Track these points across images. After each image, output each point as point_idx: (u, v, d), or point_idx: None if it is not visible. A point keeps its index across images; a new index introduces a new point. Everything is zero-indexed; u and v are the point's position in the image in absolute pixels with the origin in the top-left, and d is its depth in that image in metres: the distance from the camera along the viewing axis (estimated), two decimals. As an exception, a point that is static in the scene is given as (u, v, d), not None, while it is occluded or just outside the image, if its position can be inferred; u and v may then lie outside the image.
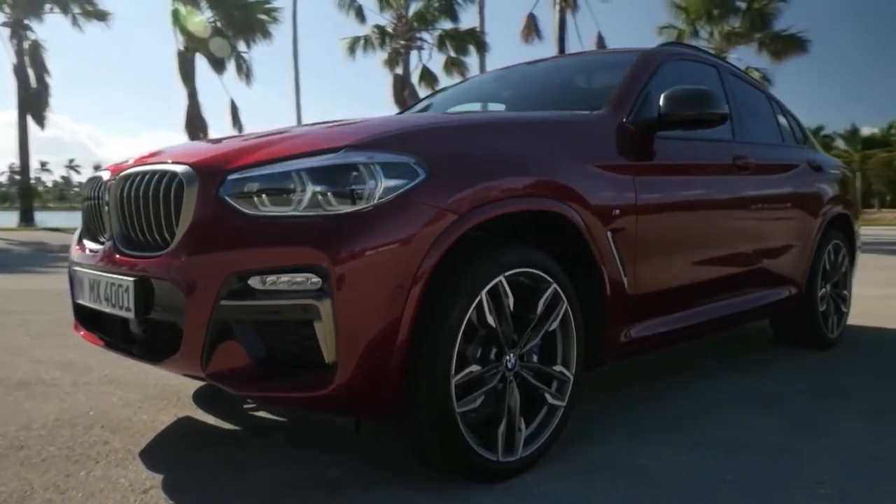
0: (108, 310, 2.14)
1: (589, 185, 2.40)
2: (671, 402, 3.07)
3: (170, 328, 2.02)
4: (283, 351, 1.86)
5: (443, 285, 1.92)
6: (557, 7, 23.39)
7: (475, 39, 23.65)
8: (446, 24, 24.04)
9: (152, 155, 2.25)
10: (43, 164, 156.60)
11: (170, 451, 2.43)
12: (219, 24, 22.58)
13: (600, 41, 24.11)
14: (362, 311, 1.80)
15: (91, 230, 2.44)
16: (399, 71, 24.36)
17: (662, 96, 2.72)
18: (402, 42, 24.08)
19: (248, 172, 1.93)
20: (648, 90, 2.89)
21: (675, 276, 2.89)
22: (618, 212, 2.51)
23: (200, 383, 3.30)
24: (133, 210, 2.11)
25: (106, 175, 2.29)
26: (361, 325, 1.80)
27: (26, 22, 22.07)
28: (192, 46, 22.25)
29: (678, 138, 2.94)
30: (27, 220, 23.30)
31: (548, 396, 2.26)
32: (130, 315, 2.02)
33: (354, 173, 1.85)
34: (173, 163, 2.04)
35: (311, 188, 1.85)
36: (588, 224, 2.35)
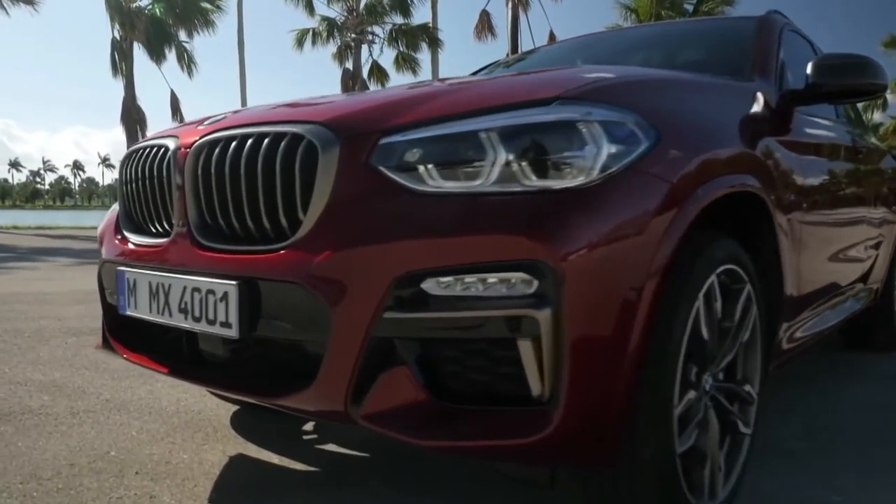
0: (186, 325, 1.55)
1: (772, 165, 1.96)
2: (817, 418, 2.66)
3: (291, 350, 1.46)
4: (470, 383, 1.33)
5: (664, 290, 1.43)
6: (510, 5, 23.14)
7: (428, 35, 23.08)
8: (398, 19, 23.42)
9: (244, 114, 1.65)
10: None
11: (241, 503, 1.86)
12: (159, 11, 21.25)
13: (552, 40, 23.99)
14: (593, 324, 1.29)
15: (139, 218, 1.82)
16: (349, 65, 23.57)
17: (812, 64, 2.31)
18: (353, 36, 23.29)
19: (411, 134, 1.38)
20: (782, 58, 2.49)
21: (822, 272, 2.49)
22: (792, 197, 2.08)
23: (234, 407, 2.71)
24: (224, 188, 1.53)
25: (171, 143, 1.69)
26: (593, 342, 1.29)
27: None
28: (128, 34, 20.83)
29: (809, 115, 2.55)
30: (-56, 218, 21.40)
31: (740, 424, 1.80)
32: (231, 332, 1.44)
33: (569, 135, 1.34)
34: (293, 121, 1.48)
35: (505, 155, 1.33)
36: (775, 209, 1.91)
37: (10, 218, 31.57)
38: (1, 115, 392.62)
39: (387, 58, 31.10)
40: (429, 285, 1.29)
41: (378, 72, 24.17)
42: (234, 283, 1.43)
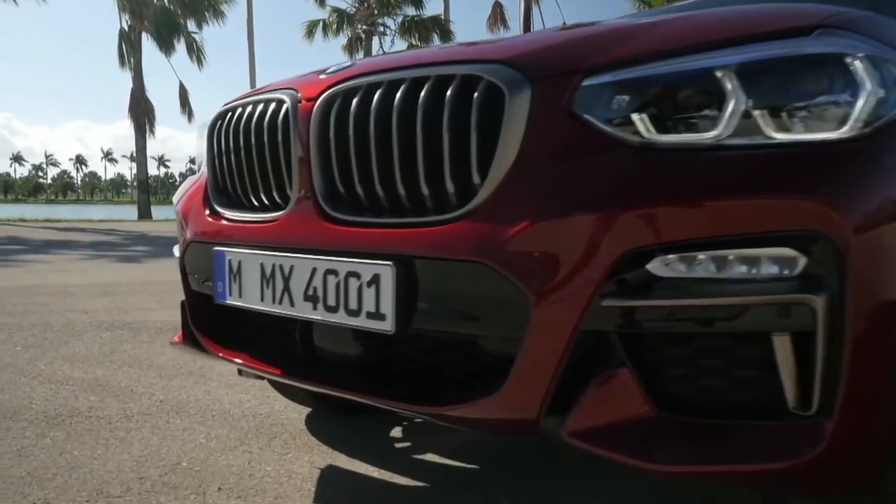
0: (316, 317, 1.24)
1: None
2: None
3: (456, 347, 1.17)
4: (708, 391, 1.04)
5: None
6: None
7: (439, 27, 22.76)
8: (410, 10, 23.08)
9: (389, 58, 1.34)
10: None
11: (356, 531, 1.56)
12: (167, 1, 20.93)
13: (566, 32, 23.65)
14: (879, 315, 0.99)
15: (238, 190, 1.52)
16: (360, 57, 23.25)
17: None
18: (364, 27, 22.97)
19: (622, 73, 1.08)
20: None
21: None
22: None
23: (304, 409, 2.42)
24: (369, 147, 1.22)
25: (288, 96, 1.38)
26: (876, 338, 0.99)
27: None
28: (137, 24, 20.53)
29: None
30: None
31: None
32: (385, 325, 1.14)
33: (835, 73, 1.04)
34: (463, 61, 1.17)
35: (750, 100, 1.03)
36: None
37: (15, 211, 31.31)
38: (1, 109, 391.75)
39: (397, 49, 30.85)
40: (657, 266, 1.00)
41: (388, 64, 23.85)
42: (387, 263, 1.13)
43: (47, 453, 2.00)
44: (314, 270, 1.24)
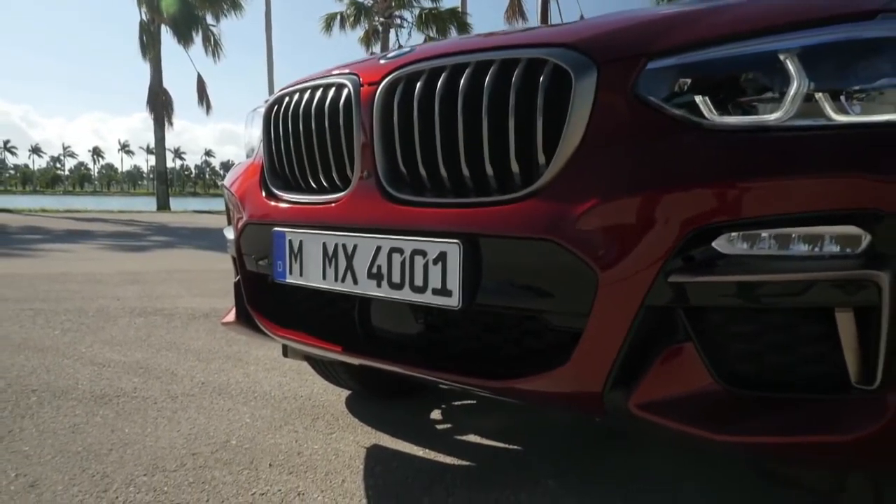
0: (379, 294, 1.28)
1: None
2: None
3: (523, 325, 1.21)
4: (772, 365, 1.07)
5: None
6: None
7: (457, 19, 22.72)
8: (427, 3, 23.06)
9: (452, 44, 1.37)
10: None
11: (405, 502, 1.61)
12: (186, -7, 21.04)
13: (583, 24, 23.53)
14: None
15: (297, 172, 1.56)
16: (376, 49, 23.25)
17: None
18: (381, 20, 22.98)
19: (686, 56, 1.11)
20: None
21: None
22: None
23: (343, 392, 2.47)
24: (434, 128, 1.25)
25: (349, 81, 1.42)
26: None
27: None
28: (156, 17, 20.66)
29: None
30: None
31: None
32: (452, 301, 1.18)
33: (895, 56, 1.06)
34: (529, 45, 1.20)
35: (813, 83, 1.05)
36: None
37: (35, 202, 31.65)
38: (19, 101, 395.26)
39: (414, 41, 30.75)
40: (722, 243, 1.02)
41: (405, 56, 23.83)
42: (454, 241, 1.17)
43: (99, 430, 2.06)
44: (378, 249, 1.28)
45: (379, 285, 1.28)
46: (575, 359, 1.08)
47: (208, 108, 22.54)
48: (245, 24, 23.36)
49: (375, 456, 1.91)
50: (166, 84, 21.81)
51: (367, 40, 23.57)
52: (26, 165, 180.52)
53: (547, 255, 1.09)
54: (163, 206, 22.92)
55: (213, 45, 22.21)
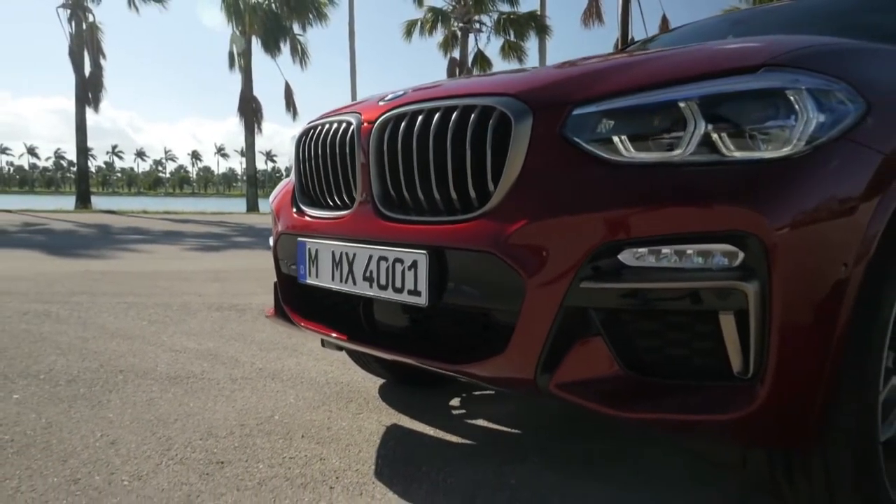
0: (370, 293, 1.60)
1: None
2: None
3: (476, 319, 1.49)
4: (666, 355, 1.31)
5: (873, 267, 1.34)
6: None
7: (536, 23, 22.85)
8: (505, 7, 23.31)
9: (423, 90, 1.69)
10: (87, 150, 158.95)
11: (410, 472, 1.91)
12: (274, 5, 22.14)
13: (665, 24, 23.17)
14: (801, 299, 1.24)
15: (318, 192, 1.89)
16: (456, 54, 23.71)
17: None
18: (460, 25, 23.40)
19: (604, 104, 1.37)
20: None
21: None
22: None
23: (378, 380, 2.79)
24: (411, 161, 1.56)
25: (354, 119, 1.75)
26: (799, 318, 1.24)
27: (85, 3, 21.89)
28: (247, 30, 21.85)
29: None
30: (84, 202, 23.17)
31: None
32: (420, 300, 1.48)
33: (776, 103, 1.28)
34: (481, 94, 1.49)
35: (706, 125, 1.28)
36: None
37: (139, 204, 33.90)
38: (126, 108, 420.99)
39: (493, 46, 30.99)
40: (626, 256, 1.27)
41: (482, 61, 24.18)
42: (423, 252, 1.47)
43: (169, 403, 2.47)
44: (370, 257, 1.59)
45: (371, 286, 1.59)
46: (510, 348, 1.36)
47: (294, 114, 23.65)
48: (330, 31, 24.31)
49: (393, 433, 2.23)
50: (256, 91, 23.02)
51: (446, 45, 24.05)
52: (132, 168, 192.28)
53: (490, 264, 1.37)
54: (252, 207, 24.16)
55: (300, 54, 23.26)
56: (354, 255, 1.64)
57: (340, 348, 2.27)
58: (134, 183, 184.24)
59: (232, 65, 23.07)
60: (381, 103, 1.70)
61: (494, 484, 1.83)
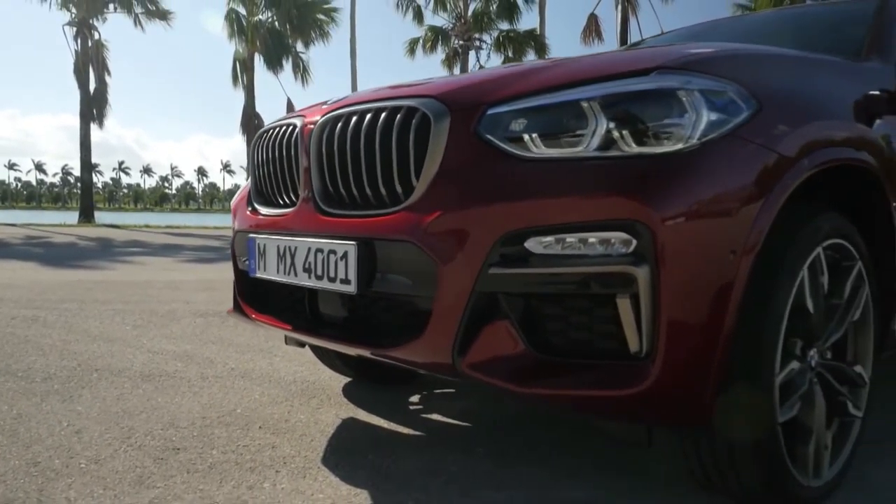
0: (309, 283, 1.71)
1: (885, 143, 1.91)
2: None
3: (400, 305, 1.59)
4: (568, 336, 1.41)
5: (765, 256, 1.45)
6: (619, 7, 22.82)
7: (535, 41, 23.12)
8: (504, 26, 23.60)
9: (360, 95, 1.80)
10: (94, 166, 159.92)
11: (356, 459, 2.00)
12: (277, 23, 22.46)
13: (663, 42, 23.36)
14: (690, 283, 1.34)
15: (270, 192, 2.01)
16: (457, 71, 23.96)
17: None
18: (461, 43, 23.68)
19: (514, 104, 1.48)
20: (904, 38, 2.39)
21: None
22: (911, 176, 2.01)
23: (346, 379, 2.89)
24: (345, 159, 1.67)
25: (298, 121, 1.86)
26: (688, 302, 1.34)
27: (91, 21, 22.25)
28: (250, 47, 22.16)
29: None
30: (88, 216, 23.38)
31: (849, 405, 1.77)
32: (350, 288, 1.58)
33: (669, 102, 1.39)
34: (407, 97, 1.61)
35: (606, 123, 1.39)
36: (888, 188, 1.86)
37: (142, 219, 34.20)
38: (133, 125, 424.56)
39: (494, 62, 31.38)
40: (531, 244, 1.37)
41: (484, 78, 24.35)
42: (352, 243, 1.57)
43: (138, 398, 2.56)
44: (309, 249, 1.70)
45: (309, 277, 1.70)
46: (427, 332, 1.46)
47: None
48: (332, 48, 24.62)
49: (347, 425, 2.32)
50: (259, 107, 23.30)
51: (448, 63, 24.32)
52: (138, 185, 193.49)
53: (410, 253, 1.48)
54: (254, 222, 24.27)
55: (301, 71, 23.52)
56: (296, 248, 1.74)
57: (302, 344, 2.37)
58: (140, 199, 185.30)
59: (235, 81, 23.36)
60: (323, 107, 1.81)
61: (435, 471, 1.92)
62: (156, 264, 8.90)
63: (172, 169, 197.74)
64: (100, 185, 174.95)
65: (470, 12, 23.51)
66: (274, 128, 1.99)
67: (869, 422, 1.88)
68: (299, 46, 23.08)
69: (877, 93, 2.09)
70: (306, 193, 1.78)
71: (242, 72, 22.38)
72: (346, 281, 1.59)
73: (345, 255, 1.59)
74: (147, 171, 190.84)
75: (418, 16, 23.61)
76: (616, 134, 1.39)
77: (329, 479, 1.84)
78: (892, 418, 2.46)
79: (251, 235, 1.95)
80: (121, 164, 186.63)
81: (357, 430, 2.29)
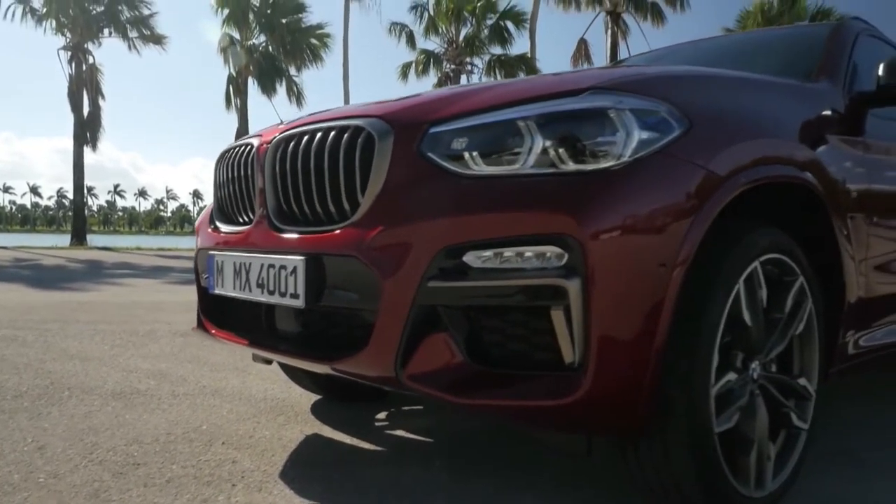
0: (262, 298, 1.74)
1: (829, 162, 1.97)
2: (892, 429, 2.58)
3: (349, 318, 1.63)
4: (505, 347, 1.45)
5: (698, 270, 1.49)
6: (609, 32, 23.16)
7: (526, 64, 23.38)
8: (496, 50, 23.88)
9: (316, 115, 1.86)
10: (89, 189, 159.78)
11: (314, 473, 2.02)
12: (271, 47, 22.69)
13: (653, 66, 23.66)
14: (620, 295, 1.38)
15: (230, 211, 2.05)
16: (448, 95, 24.15)
17: (883, 65, 2.29)
18: (452, 67, 23.94)
19: (455, 123, 1.53)
20: (854, 62, 2.47)
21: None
22: (855, 194, 2.07)
23: (315, 396, 2.91)
24: (297, 176, 1.72)
25: (255, 141, 1.91)
26: (619, 314, 1.38)
27: (86, 46, 22.44)
28: (243, 71, 22.35)
29: (884, 118, 2.49)
30: (80, 239, 23.36)
31: (793, 417, 1.80)
32: (299, 303, 1.62)
33: (601, 121, 1.45)
34: (355, 117, 1.66)
35: (541, 141, 1.44)
36: (834, 208, 1.92)
37: (134, 241, 34.19)
38: (129, 148, 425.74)
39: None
40: (469, 257, 1.42)
41: (476, 101, 24.57)
42: (301, 258, 1.61)
43: (106, 416, 2.58)
44: (262, 265, 1.74)
45: (262, 292, 1.74)
46: (371, 344, 1.49)
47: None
48: (326, 70, 24.92)
49: (311, 441, 2.34)
50: (252, 131, 23.40)
51: (440, 86, 24.54)
52: (133, 208, 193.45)
53: (355, 267, 1.52)
54: (246, 244, 24.27)
55: (295, 95, 23.70)
56: (250, 264, 1.79)
57: (268, 361, 2.40)
58: (135, 222, 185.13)
59: (228, 104, 23.51)
60: (280, 126, 1.87)
61: (391, 484, 1.94)
62: (144, 286, 8.91)
63: (168, 192, 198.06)
64: (94, 207, 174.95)
65: (462, 37, 23.79)
66: (233, 148, 2.04)
67: (817, 436, 1.92)
68: (292, 70, 23.28)
69: (826, 113, 2.16)
70: (262, 211, 1.82)
71: (236, 95, 22.54)
72: (295, 295, 1.63)
73: (294, 270, 1.63)
74: (142, 193, 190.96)
75: (411, 40, 23.89)
76: (551, 152, 1.44)
77: (284, 492, 1.86)
78: (840, 432, 2.50)
79: (211, 252, 2.00)
80: (116, 186, 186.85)
81: (319, 445, 2.31)
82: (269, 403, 2.83)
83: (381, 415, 2.73)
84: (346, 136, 1.62)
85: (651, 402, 1.44)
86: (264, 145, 1.84)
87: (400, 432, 2.50)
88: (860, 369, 2.28)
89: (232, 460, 2.11)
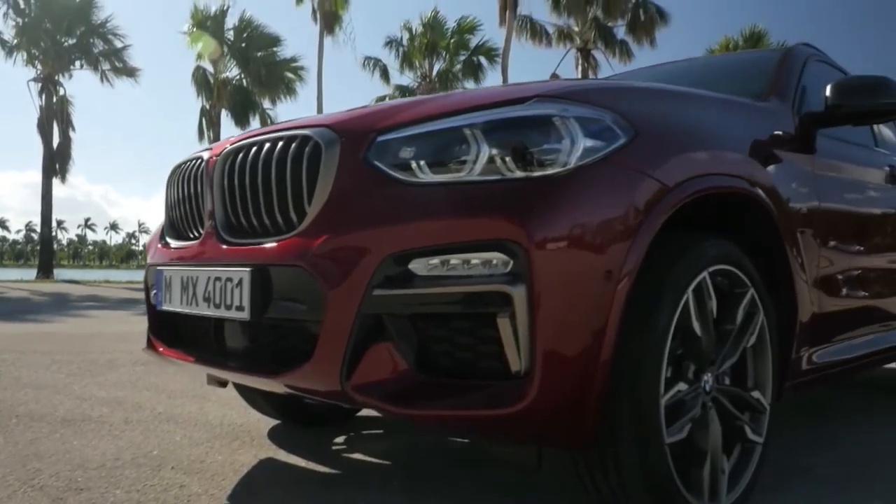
0: (208, 312, 1.70)
1: (778, 178, 2.00)
2: (844, 446, 2.58)
3: (295, 331, 1.59)
4: (452, 356, 1.42)
5: (645, 278, 1.49)
6: (579, 67, 23.60)
7: (498, 98, 23.69)
8: (469, 84, 24.16)
9: (272, 126, 1.84)
10: (59, 223, 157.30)
11: (262, 496, 1.96)
12: (245, 81, 22.74)
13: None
14: (566, 303, 1.37)
15: (181, 226, 2.02)
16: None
17: (830, 86, 2.35)
18: (426, 100, 24.17)
19: (402, 132, 1.53)
20: (803, 84, 2.53)
21: (852, 294, 2.45)
22: (805, 210, 2.10)
23: (274, 421, 2.84)
24: (245, 188, 1.70)
25: (206, 154, 1.89)
26: (564, 321, 1.37)
27: (57, 78, 22.29)
28: (215, 104, 22.34)
29: (835, 138, 2.55)
30: (46, 272, 22.89)
31: (747, 430, 1.80)
32: (244, 315, 1.58)
33: (546, 128, 1.45)
34: (303, 127, 1.65)
35: (487, 149, 1.44)
36: (780, 220, 1.94)
37: (104, 275, 33.60)
38: (100, 182, 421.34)
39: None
40: (414, 265, 1.40)
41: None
42: (247, 269, 1.58)
43: (53, 442, 2.49)
44: (209, 278, 1.70)
45: (209, 306, 1.70)
46: (316, 356, 1.46)
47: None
48: (300, 103, 24.99)
49: (264, 465, 2.28)
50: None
51: (413, 120, 24.74)
52: (104, 241, 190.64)
53: (300, 277, 1.49)
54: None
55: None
56: (197, 277, 1.75)
57: (223, 383, 2.34)
58: (106, 256, 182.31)
59: (201, 137, 23.44)
60: (230, 139, 1.85)
61: (343, 505, 1.89)
62: (109, 318, 8.74)
63: (140, 225, 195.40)
64: (65, 241, 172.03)
65: (435, 72, 24.07)
66: (185, 162, 2.02)
67: (772, 450, 1.91)
68: (266, 103, 23.31)
69: (776, 131, 2.20)
70: (210, 224, 1.79)
71: (209, 127, 22.47)
72: (240, 308, 1.59)
73: (240, 283, 1.60)
74: (114, 227, 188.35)
75: (385, 74, 24.12)
76: (497, 159, 1.44)
77: (231, 515, 1.80)
78: (792, 448, 2.50)
79: (160, 268, 1.95)
80: (87, 220, 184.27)
81: (273, 469, 2.25)
82: (226, 429, 2.76)
83: (340, 438, 2.68)
84: (293, 145, 1.61)
85: (600, 411, 1.42)
86: (213, 158, 1.81)
87: (358, 455, 2.44)
88: (814, 385, 2.29)
89: (180, 484, 2.04)
